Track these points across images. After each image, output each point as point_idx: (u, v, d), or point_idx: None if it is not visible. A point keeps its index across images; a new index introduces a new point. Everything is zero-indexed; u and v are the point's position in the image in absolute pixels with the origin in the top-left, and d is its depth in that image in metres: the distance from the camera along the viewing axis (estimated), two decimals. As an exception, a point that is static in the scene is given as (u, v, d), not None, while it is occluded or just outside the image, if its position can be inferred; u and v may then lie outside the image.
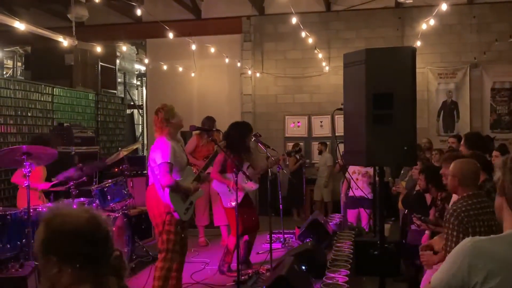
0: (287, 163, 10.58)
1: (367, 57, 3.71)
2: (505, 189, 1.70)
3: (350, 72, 3.92)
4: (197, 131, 7.58)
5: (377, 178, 5.50)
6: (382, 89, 3.67)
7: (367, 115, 3.67)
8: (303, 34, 9.23)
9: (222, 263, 6.18)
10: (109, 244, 1.44)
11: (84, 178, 6.11)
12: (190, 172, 4.93)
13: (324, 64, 10.92)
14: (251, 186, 6.13)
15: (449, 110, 10.75)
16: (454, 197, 4.21)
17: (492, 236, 1.69)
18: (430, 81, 10.74)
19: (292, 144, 10.58)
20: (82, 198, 6.53)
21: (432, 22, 8.41)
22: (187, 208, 4.71)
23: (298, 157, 10.09)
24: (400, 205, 6.60)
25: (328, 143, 10.51)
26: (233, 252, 6.05)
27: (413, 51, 3.81)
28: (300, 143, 10.56)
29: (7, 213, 5.50)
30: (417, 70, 3.89)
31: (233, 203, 5.57)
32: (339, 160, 8.02)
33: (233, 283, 5.52)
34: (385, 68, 3.71)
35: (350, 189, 7.53)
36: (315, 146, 10.80)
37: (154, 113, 4.73)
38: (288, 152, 7.56)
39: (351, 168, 7.47)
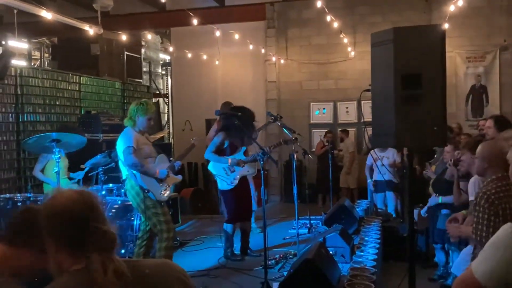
0: (313, 149, 10.51)
1: (395, 36, 3.61)
2: None
3: (378, 52, 3.83)
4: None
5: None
6: (410, 69, 3.59)
7: (395, 95, 3.59)
8: (328, 18, 9.12)
9: (226, 249, 6.21)
10: (95, 222, 1.45)
11: (113, 164, 6.19)
12: (164, 160, 5.27)
13: (349, 49, 10.80)
14: (248, 169, 6.18)
15: (478, 95, 10.53)
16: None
17: None
18: (458, 65, 10.53)
19: (325, 131, 10.43)
20: (111, 184, 6.63)
21: (460, 3, 8.22)
22: (164, 190, 5.04)
23: (325, 142, 10.00)
24: (430, 189, 6.50)
25: (349, 130, 10.41)
26: (233, 236, 6.17)
27: (442, 29, 3.72)
28: (329, 133, 10.34)
29: (38, 198, 5.63)
30: (445, 54, 3.80)
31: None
32: (366, 143, 7.94)
33: (261, 267, 5.53)
34: (413, 47, 3.63)
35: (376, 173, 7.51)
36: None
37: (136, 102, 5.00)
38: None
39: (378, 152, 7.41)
